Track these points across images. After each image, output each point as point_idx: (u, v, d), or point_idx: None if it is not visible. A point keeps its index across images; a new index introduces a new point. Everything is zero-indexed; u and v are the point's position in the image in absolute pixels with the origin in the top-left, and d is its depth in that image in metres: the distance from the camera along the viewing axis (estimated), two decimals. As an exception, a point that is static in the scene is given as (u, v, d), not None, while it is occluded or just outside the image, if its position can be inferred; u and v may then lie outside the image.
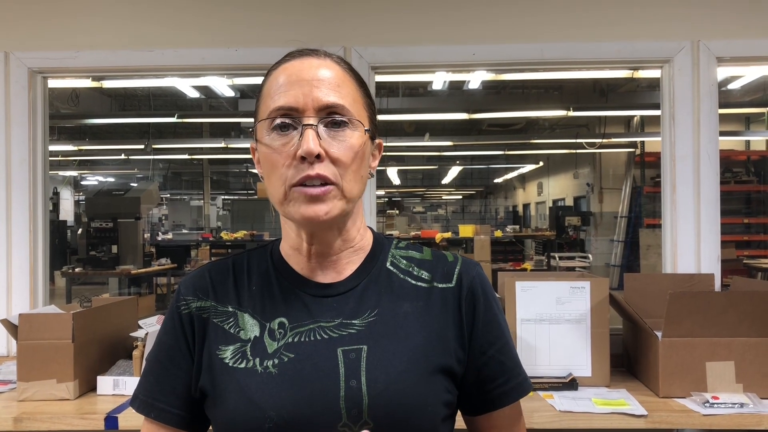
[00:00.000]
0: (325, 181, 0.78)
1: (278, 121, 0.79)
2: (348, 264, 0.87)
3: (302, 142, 0.77)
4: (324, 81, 0.80)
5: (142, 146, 9.98)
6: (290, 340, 0.81)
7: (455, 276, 0.87)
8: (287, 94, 0.79)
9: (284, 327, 0.82)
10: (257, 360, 0.80)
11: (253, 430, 0.76)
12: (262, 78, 0.87)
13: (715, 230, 2.12)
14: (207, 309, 0.86)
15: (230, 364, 0.80)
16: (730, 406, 1.54)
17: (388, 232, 8.45)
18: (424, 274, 0.88)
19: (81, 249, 6.57)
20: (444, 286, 0.87)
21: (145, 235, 8.04)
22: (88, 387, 1.72)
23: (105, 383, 1.70)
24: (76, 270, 6.31)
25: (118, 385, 1.70)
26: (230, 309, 0.85)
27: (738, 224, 8.74)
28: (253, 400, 0.77)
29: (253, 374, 0.79)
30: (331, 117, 0.79)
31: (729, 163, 8.82)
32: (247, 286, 0.87)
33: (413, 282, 0.87)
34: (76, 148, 10.25)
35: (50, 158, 2.33)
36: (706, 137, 2.11)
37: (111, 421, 1.52)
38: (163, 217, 16.50)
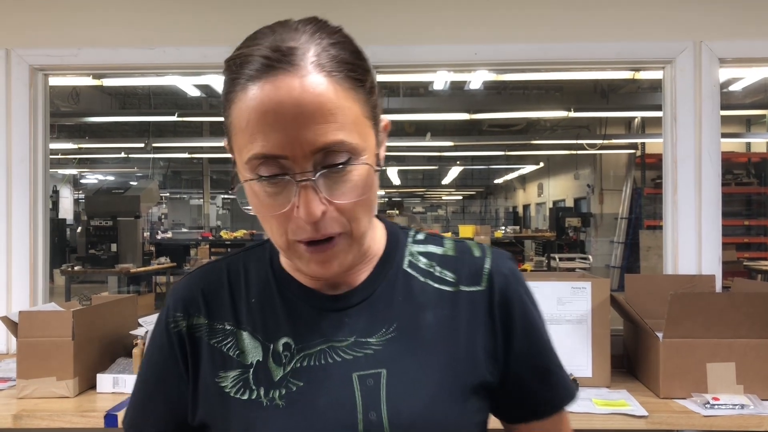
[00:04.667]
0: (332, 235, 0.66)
1: (264, 173, 0.63)
2: (360, 272, 0.74)
3: (300, 203, 0.62)
4: (312, 115, 0.61)
5: (142, 145, 9.98)
6: (298, 365, 0.70)
7: (485, 277, 0.75)
8: (267, 139, 0.61)
9: (290, 349, 0.71)
10: (262, 390, 0.69)
11: None
12: None
13: (717, 231, 2.11)
14: (200, 327, 0.74)
15: (231, 394, 0.70)
16: (731, 407, 1.54)
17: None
18: (448, 275, 0.75)
19: (80, 247, 6.57)
20: (472, 289, 0.74)
21: (145, 234, 8.04)
22: (88, 385, 1.71)
23: (105, 381, 1.70)
24: (76, 268, 6.31)
25: (118, 383, 1.70)
26: (227, 327, 0.73)
27: (738, 226, 8.76)
28: None
29: (257, 407, 0.69)
30: (330, 161, 0.63)
31: (730, 165, 8.84)
32: (245, 298, 0.75)
33: (436, 285, 0.74)
34: (76, 146, 10.27)
35: (50, 156, 2.33)
36: (708, 138, 2.11)
37: (110, 419, 1.52)
38: (163, 216, 16.49)
